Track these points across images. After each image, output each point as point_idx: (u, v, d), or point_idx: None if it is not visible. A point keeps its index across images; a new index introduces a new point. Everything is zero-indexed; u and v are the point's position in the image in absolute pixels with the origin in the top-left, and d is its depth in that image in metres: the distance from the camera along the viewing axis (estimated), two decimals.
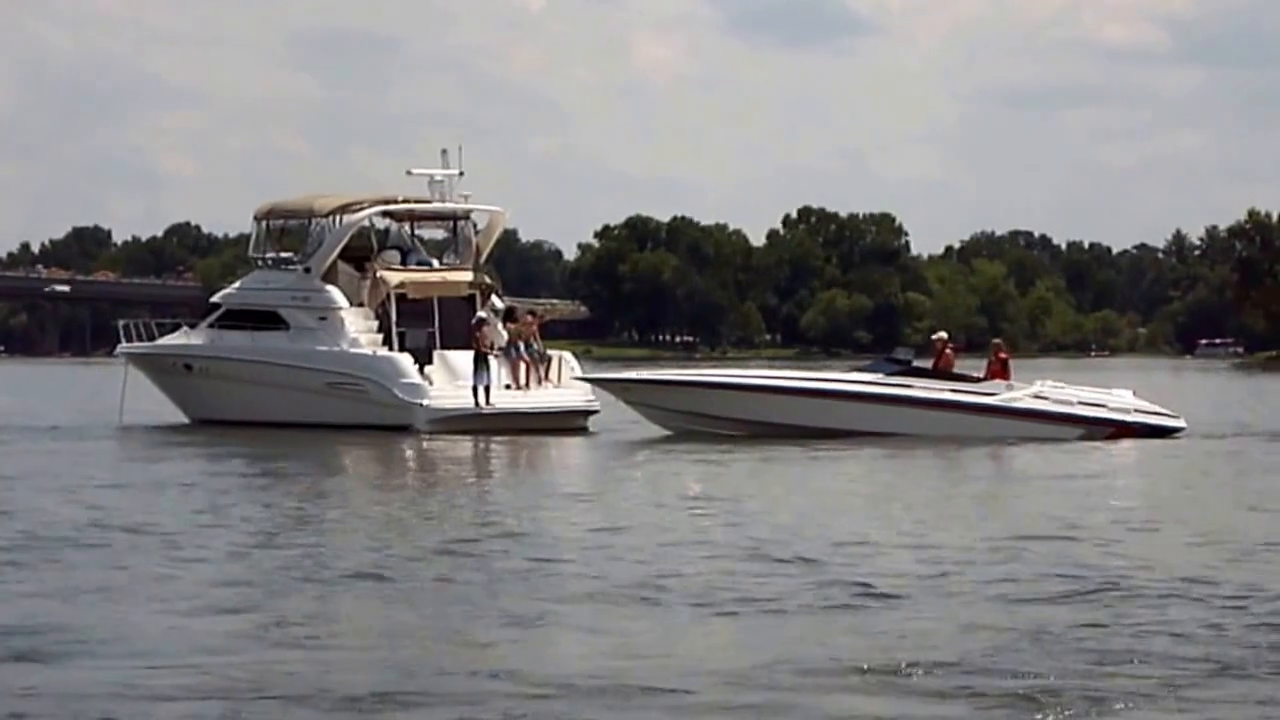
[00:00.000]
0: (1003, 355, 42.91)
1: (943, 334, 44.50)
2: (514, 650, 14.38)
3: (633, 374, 44.02)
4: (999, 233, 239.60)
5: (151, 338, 51.44)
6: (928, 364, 42.45)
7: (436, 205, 49.57)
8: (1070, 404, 41.47)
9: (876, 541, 21.01)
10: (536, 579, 18.00)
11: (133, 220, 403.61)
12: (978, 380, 42.21)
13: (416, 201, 49.77)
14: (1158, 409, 42.22)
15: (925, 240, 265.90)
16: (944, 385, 41.52)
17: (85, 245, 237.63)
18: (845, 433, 39.88)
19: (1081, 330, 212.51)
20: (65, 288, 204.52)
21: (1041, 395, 41.58)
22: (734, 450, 36.82)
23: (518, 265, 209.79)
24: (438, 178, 49.72)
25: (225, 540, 21.29)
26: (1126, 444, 39.18)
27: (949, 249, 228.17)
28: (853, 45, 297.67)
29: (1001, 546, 20.27)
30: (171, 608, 16.36)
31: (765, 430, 40.81)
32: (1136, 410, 41.79)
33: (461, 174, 49.96)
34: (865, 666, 13.40)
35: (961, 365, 43.45)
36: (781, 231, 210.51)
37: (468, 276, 48.26)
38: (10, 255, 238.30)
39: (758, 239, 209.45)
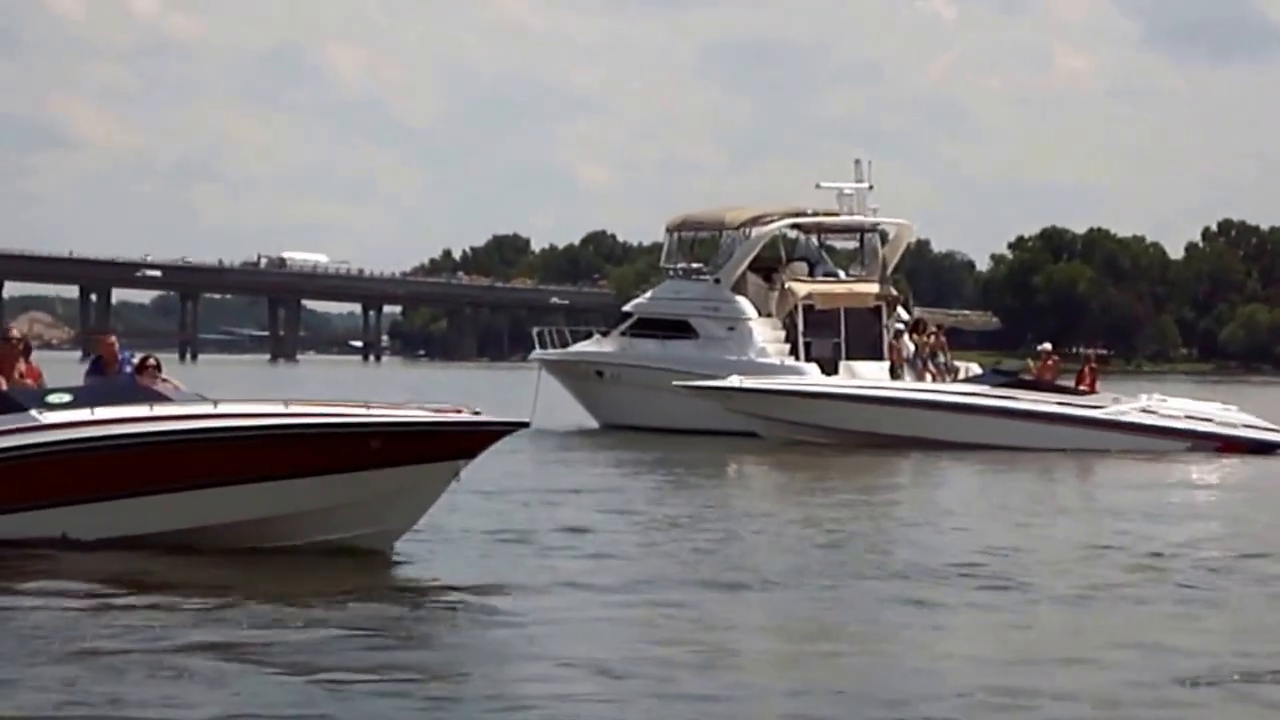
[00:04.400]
0: (1093, 367, 43.66)
1: (1047, 345, 44.86)
2: None
3: (735, 382, 43.20)
4: None
5: (565, 344, 52.93)
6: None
7: (844, 218, 50.21)
8: (1177, 418, 41.15)
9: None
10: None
11: (550, 228, 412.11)
12: (1085, 393, 42.15)
13: (825, 214, 50.44)
14: (1264, 424, 41.88)
15: None
16: (1052, 398, 41.50)
17: (504, 252, 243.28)
18: (953, 444, 39.82)
19: None
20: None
21: (1149, 409, 41.44)
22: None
23: (930, 276, 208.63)
24: (847, 191, 50.37)
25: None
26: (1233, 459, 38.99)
27: None
28: (1275, 57, 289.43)
29: None
30: None
31: (870, 440, 40.61)
32: (1244, 425, 41.44)
33: (871, 187, 50.55)
34: None
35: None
36: (1200, 244, 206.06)
37: (874, 288, 48.70)
38: (432, 262, 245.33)
39: (1176, 252, 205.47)
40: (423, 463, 19.79)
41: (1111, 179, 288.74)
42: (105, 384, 21.51)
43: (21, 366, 21.10)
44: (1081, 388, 42.70)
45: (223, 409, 20.23)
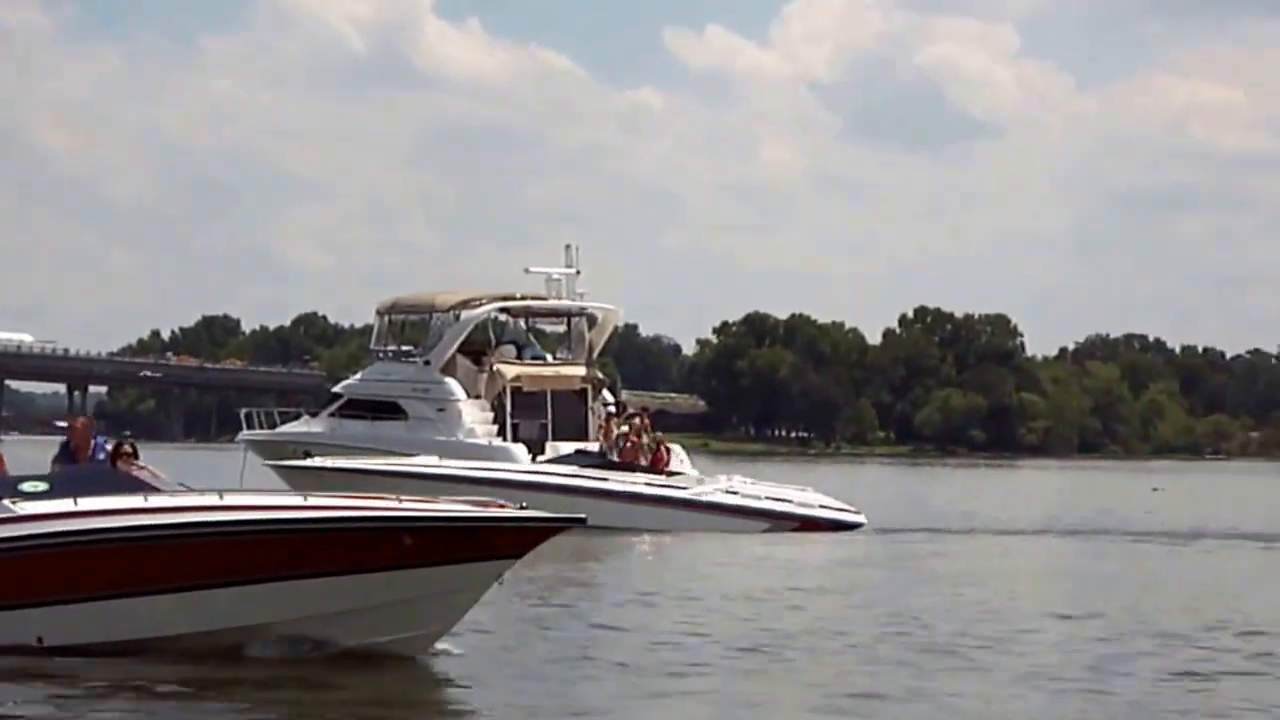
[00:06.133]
0: (666, 446, 45.18)
1: (624, 428, 45.90)
2: None
3: (319, 463, 43.80)
4: (1113, 335, 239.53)
5: (273, 425, 53.29)
6: None
7: (552, 303, 51.39)
8: (758, 499, 42.91)
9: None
10: None
11: (261, 310, 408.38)
12: (672, 474, 43.61)
13: (534, 298, 51.57)
14: (840, 505, 43.87)
15: (1040, 341, 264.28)
16: (639, 478, 42.75)
17: (214, 333, 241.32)
18: None
19: (1193, 433, 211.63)
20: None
21: (730, 490, 43.06)
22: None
23: (637, 359, 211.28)
24: (555, 276, 51.59)
25: None
26: (809, 537, 40.69)
27: (1063, 350, 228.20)
28: (970, 150, 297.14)
29: None
30: None
31: None
32: (821, 506, 43.40)
33: (578, 272, 51.82)
34: None
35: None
36: (897, 330, 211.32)
37: (580, 371, 49.93)
38: (140, 342, 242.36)
39: (874, 337, 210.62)
40: (462, 563, 17.89)
41: (812, 265, 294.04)
42: (84, 471, 19.40)
43: None
44: (662, 467, 43.96)
45: (231, 500, 18.34)
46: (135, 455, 19.29)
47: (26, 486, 18.39)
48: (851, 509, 43.92)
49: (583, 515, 19.23)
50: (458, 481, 41.00)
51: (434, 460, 43.89)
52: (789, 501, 43.28)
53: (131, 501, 18.01)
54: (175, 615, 17.77)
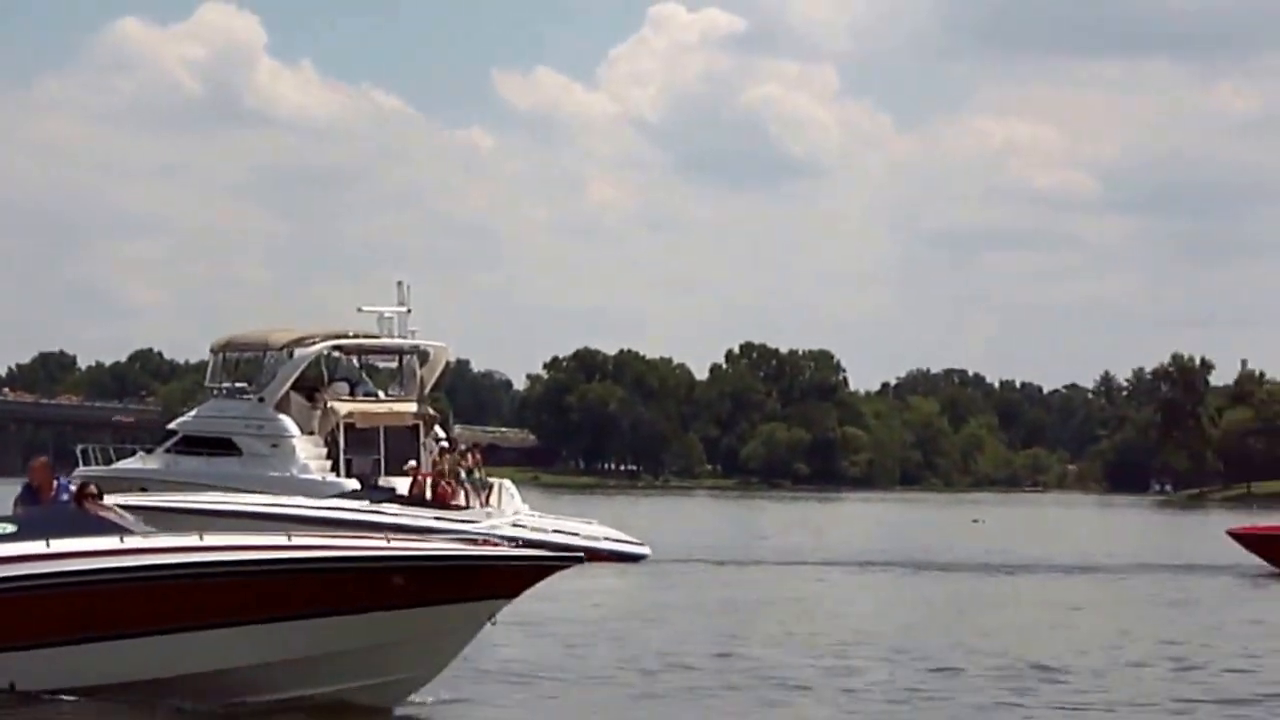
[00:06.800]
0: (448, 482, 45.80)
1: (412, 462, 47.22)
2: None
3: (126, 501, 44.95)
4: (934, 371, 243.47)
5: (109, 461, 53.90)
6: None
7: (384, 340, 52.47)
8: (545, 531, 44.61)
9: None
10: None
11: (97, 346, 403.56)
12: (461, 508, 44.90)
13: (366, 336, 52.66)
14: (626, 537, 46.08)
15: (862, 376, 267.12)
16: (427, 513, 43.69)
17: (50, 370, 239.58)
18: None
19: (1012, 466, 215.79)
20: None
21: (519, 524, 44.81)
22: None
23: (470, 394, 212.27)
24: (387, 314, 52.62)
25: None
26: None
27: (885, 385, 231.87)
28: (793, 189, 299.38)
29: None
30: None
31: None
32: (606, 538, 45.57)
33: (409, 311, 52.90)
34: None
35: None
36: (723, 366, 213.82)
37: (412, 408, 51.12)
38: None
39: (701, 373, 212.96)
40: (453, 603, 17.41)
41: (641, 302, 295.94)
42: (52, 513, 18.63)
43: None
44: (449, 501, 45.00)
45: (211, 540, 17.76)
46: (100, 496, 18.79)
47: None
48: (636, 541, 45.69)
49: (580, 554, 19.07)
50: (229, 516, 40.61)
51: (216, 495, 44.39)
52: (575, 534, 44.79)
53: (107, 543, 17.55)
54: (156, 659, 17.39)
